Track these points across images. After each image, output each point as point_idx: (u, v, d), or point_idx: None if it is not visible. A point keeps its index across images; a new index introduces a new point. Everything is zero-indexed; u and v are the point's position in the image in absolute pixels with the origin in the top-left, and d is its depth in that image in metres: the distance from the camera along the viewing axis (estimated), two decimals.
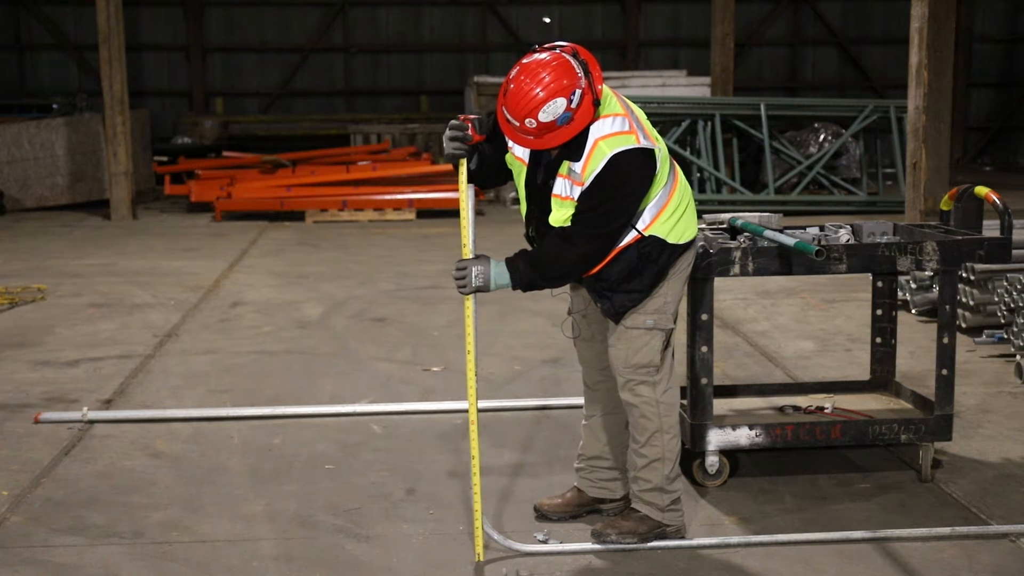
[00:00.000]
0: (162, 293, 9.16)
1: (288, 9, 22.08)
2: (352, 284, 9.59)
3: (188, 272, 10.20)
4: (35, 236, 12.93)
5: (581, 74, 3.73)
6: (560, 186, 3.89)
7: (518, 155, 4.05)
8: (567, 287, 4.23)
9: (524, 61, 3.77)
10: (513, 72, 3.76)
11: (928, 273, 7.53)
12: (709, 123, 14.51)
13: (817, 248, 4.20)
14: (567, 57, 3.75)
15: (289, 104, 22.33)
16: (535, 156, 3.99)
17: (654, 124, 4.02)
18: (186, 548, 4.18)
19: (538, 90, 3.67)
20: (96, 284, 9.60)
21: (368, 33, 22.27)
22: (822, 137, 15.30)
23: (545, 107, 3.68)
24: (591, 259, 3.90)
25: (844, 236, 4.78)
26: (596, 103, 3.77)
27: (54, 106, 18.67)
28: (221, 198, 14.33)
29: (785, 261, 4.48)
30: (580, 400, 4.54)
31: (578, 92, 3.70)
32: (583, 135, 3.80)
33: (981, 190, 4.87)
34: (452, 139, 3.92)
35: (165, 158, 17.70)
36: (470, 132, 3.94)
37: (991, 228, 5.03)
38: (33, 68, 21.75)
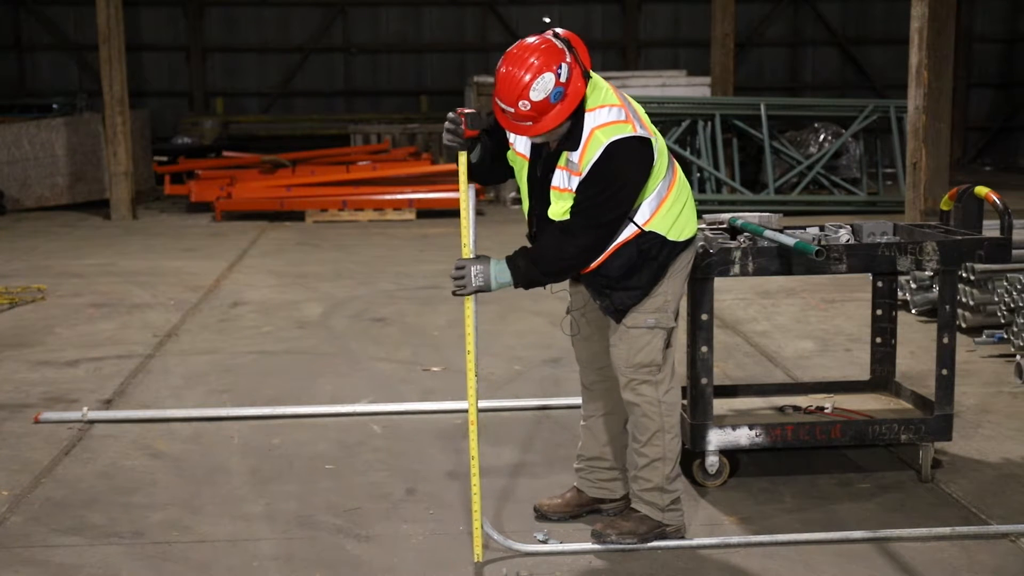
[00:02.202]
0: (162, 293, 9.16)
1: (288, 9, 22.08)
2: (352, 284, 9.59)
3: (188, 272, 10.20)
4: (35, 236, 12.93)
5: (564, 49, 3.76)
6: (559, 178, 3.90)
7: (519, 150, 4.06)
8: (566, 284, 4.24)
9: (508, 51, 3.80)
10: (500, 63, 3.79)
11: (928, 273, 7.52)
12: (709, 123, 14.50)
13: (817, 248, 4.20)
14: (548, 37, 3.80)
15: (289, 104, 22.33)
16: (536, 150, 4.01)
17: (654, 124, 4.03)
18: (186, 548, 4.18)
19: (525, 70, 3.70)
20: (96, 284, 9.60)
21: (368, 33, 22.28)
22: (822, 137, 15.29)
23: (535, 84, 3.69)
24: (591, 251, 3.90)
25: (844, 236, 4.78)
26: (586, 75, 3.80)
27: (54, 106, 18.68)
28: (221, 198, 14.33)
29: (785, 261, 4.48)
30: (580, 400, 4.54)
31: (564, 66, 3.73)
32: (580, 125, 3.81)
33: (981, 190, 4.87)
34: (448, 131, 3.96)
35: (165, 158, 17.69)
36: (462, 127, 3.95)
37: (991, 228, 5.02)
38: (33, 68, 21.75)
